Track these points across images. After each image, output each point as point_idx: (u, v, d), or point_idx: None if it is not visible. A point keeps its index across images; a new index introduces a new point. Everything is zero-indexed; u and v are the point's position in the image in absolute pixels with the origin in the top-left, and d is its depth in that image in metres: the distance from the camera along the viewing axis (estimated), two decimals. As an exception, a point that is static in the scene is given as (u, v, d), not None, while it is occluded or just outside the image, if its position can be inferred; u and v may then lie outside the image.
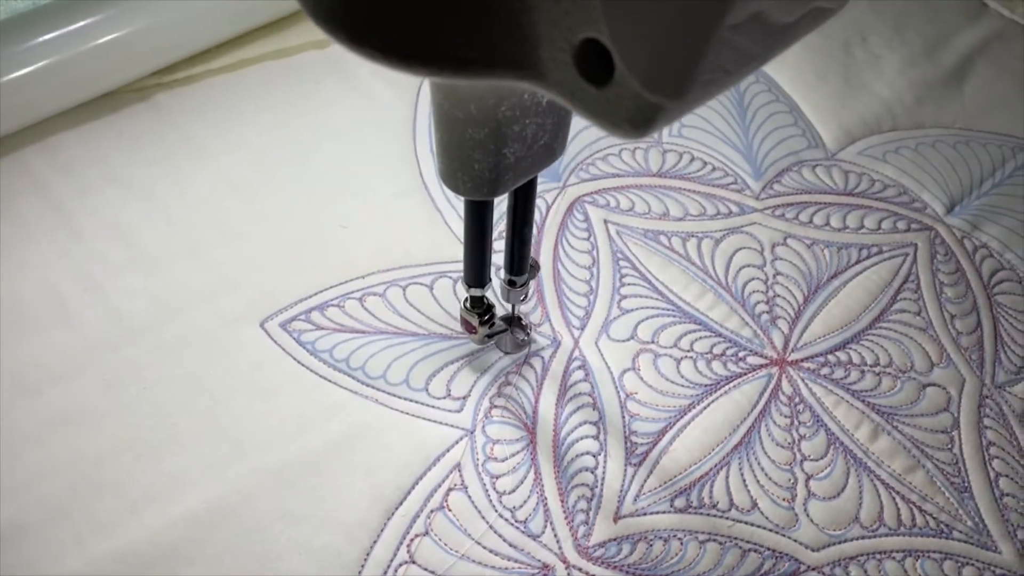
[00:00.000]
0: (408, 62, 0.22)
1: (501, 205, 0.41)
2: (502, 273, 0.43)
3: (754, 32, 0.20)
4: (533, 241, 0.47)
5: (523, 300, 0.45)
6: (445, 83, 0.29)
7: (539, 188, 0.55)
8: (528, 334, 0.48)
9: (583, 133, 0.60)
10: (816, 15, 0.22)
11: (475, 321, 0.45)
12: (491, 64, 0.22)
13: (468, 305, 0.44)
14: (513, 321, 0.47)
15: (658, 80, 0.19)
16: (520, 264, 0.42)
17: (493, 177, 0.33)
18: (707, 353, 0.50)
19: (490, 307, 0.45)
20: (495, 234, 0.42)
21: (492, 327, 0.46)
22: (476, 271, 0.41)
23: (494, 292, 0.46)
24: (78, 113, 0.58)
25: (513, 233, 0.40)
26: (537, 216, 0.55)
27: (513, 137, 0.31)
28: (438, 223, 0.54)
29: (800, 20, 0.21)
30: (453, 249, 0.53)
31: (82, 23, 0.57)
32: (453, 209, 0.55)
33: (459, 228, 0.54)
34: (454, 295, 0.51)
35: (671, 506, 0.45)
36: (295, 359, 0.48)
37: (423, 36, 0.22)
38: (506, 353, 0.48)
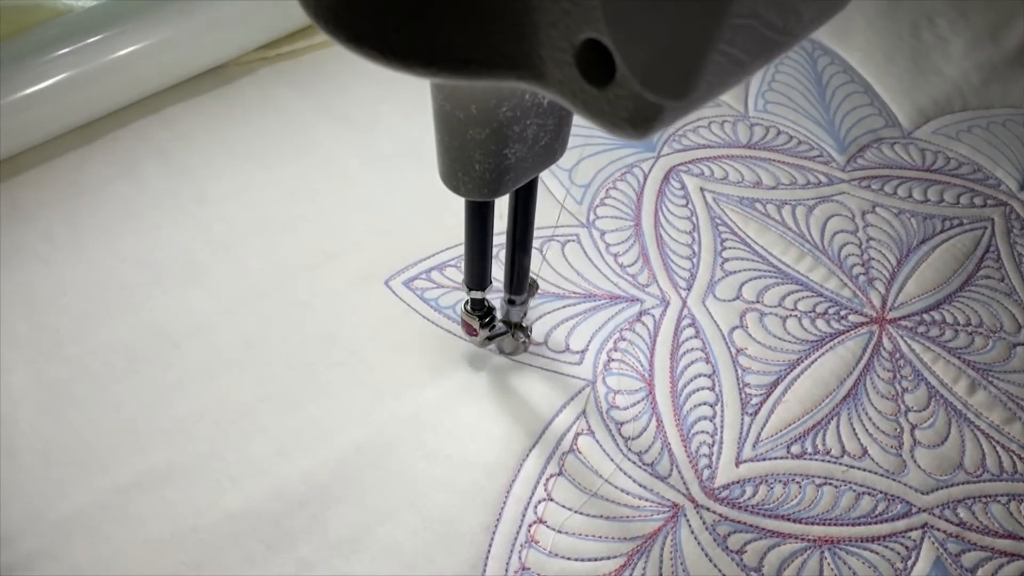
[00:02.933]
0: (408, 63, 0.22)
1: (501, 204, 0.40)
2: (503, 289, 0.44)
3: (755, 32, 0.20)
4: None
5: (523, 317, 0.46)
6: (446, 84, 0.29)
7: (635, 158, 0.57)
8: (528, 336, 0.48)
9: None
10: (818, 14, 0.22)
11: (476, 323, 0.44)
12: (492, 65, 0.22)
13: (468, 307, 0.44)
14: (514, 323, 0.48)
15: (659, 81, 0.19)
16: (519, 284, 0.43)
17: (494, 178, 0.32)
18: (811, 312, 0.52)
19: (491, 309, 0.45)
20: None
21: (493, 329, 0.46)
22: (477, 273, 0.41)
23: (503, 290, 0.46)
24: (189, 87, 0.61)
25: (513, 252, 0.41)
26: (635, 183, 0.58)
27: (514, 138, 0.31)
28: (542, 192, 0.57)
29: (801, 19, 0.21)
30: (559, 215, 0.55)
31: (191, 2, 0.59)
32: (555, 178, 0.58)
33: (561, 195, 0.57)
34: (563, 257, 0.54)
35: (788, 452, 0.47)
36: (420, 314, 0.50)
37: (424, 37, 0.22)
38: (505, 355, 0.49)
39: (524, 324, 0.48)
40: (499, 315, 0.47)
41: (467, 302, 0.45)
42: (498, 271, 0.45)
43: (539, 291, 0.51)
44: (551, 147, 0.33)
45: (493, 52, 0.22)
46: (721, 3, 0.18)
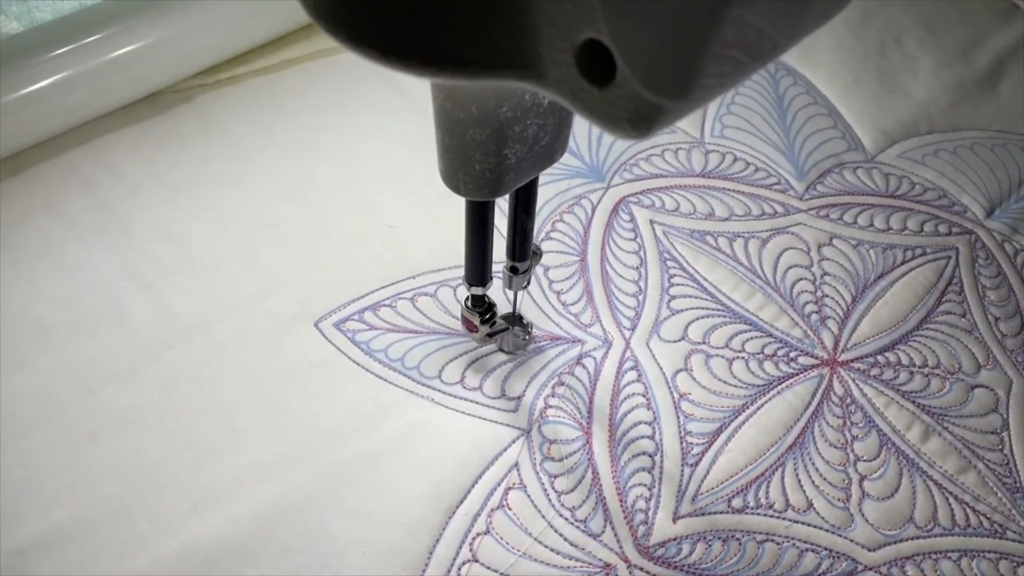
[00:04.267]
0: (408, 62, 0.22)
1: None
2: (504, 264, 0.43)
3: (755, 31, 0.20)
4: (531, 235, 0.45)
5: (525, 286, 0.44)
6: (446, 84, 0.29)
7: (583, 189, 0.55)
8: (529, 333, 0.47)
9: (626, 134, 0.60)
10: (818, 14, 0.22)
11: (476, 320, 0.44)
12: (492, 64, 0.22)
13: (469, 304, 0.44)
14: (514, 320, 0.47)
15: (659, 80, 0.19)
16: (522, 250, 0.41)
17: (494, 178, 0.32)
18: (759, 353, 0.50)
19: (491, 306, 0.44)
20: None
21: (493, 326, 0.45)
22: (477, 270, 0.41)
23: (503, 289, 0.46)
24: (123, 114, 0.59)
25: (515, 219, 0.39)
26: (583, 216, 0.56)
27: (514, 138, 0.31)
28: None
29: (801, 19, 0.21)
30: (499, 250, 0.53)
31: (125, 25, 0.57)
32: (499, 209, 0.55)
33: (504, 228, 0.54)
34: (504, 296, 0.51)
35: (729, 506, 0.45)
36: (350, 358, 0.48)
37: (423, 36, 0.22)
38: (506, 352, 0.48)
39: (524, 320, 0.47)
40: (499, 314, 0.46)
41: (467, 298, 0.44)
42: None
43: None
44: (551, 147, 0.33)
45: (493, 52, 0.22)
46: (721, 3, 0.18)
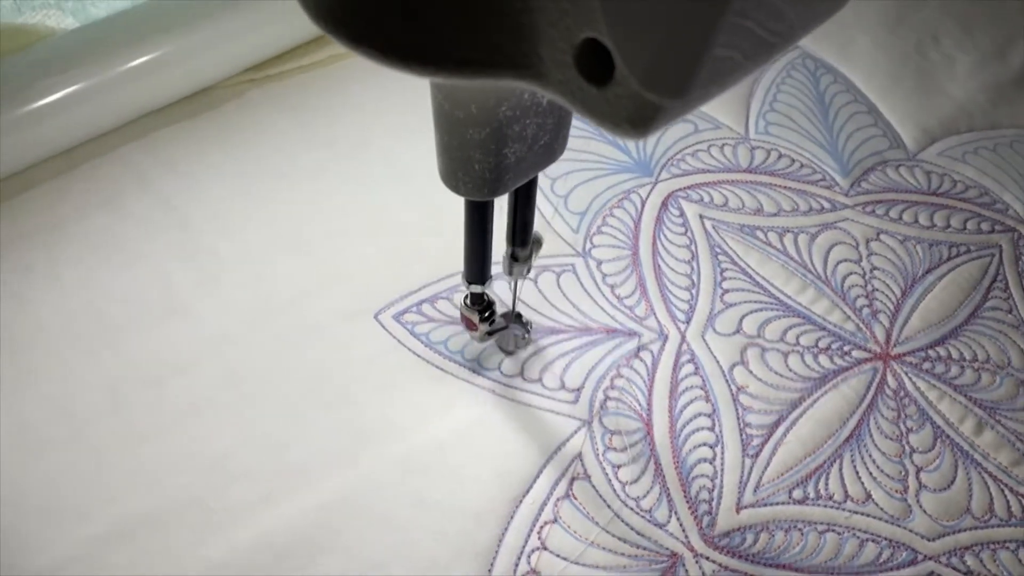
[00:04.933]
0: (408, 62, 0.22)
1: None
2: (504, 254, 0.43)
3: (754, 31, 0.20)
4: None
5: (526, 274, 0.44)
6: (445, 83, 0.29)
7: (631, 184, 0.56)
8: (528, 331, 0.47)
9: (672, 129, 0.61)
10: (818, 14, 0.22)
11: (475, 318, 0.44)
12: (491, 64, 0.22)
13: (468, 302, 0.44)
14: (513, 318, 0.47)
15: (658, 80, 0.19)
16: (523, 236, 0.41)
17: (493, 177, 0.32)
18: (813, 347, 0.51)
19: (490, 304, 0.44)
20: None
21: (492, 324, 0.45)
22: (476, 268, 0.41)
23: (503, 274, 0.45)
24: (175, 111, 0.59)
25: (515, 205, 0.39)
26: (632, 210, 0.56)
27: (513, 137, 0.31)
28: (536, 219, 0.55)
29: (800, 19, 0.21)
30: (554, 245, 0.54)
31: (176, 22, 0.57)
32: (551, 205, 0.56)
33: (559, 225, 0.55)
34: (558, 288, 0.52)
35: (790, 497, 0.45)
36: (411, 350, 0.49)
37: (423, 36, 0.22)
38: (506, 352, 0.48)
39: (524, 319, 0.47)
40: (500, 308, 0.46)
41: (467, 296, 0.44)
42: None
43: (533, 326, 0.49)
44: (551, 147, 0.33)
45: (492, 52, 0.22)
46: (720, 3, 0.18)
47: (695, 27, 0.18)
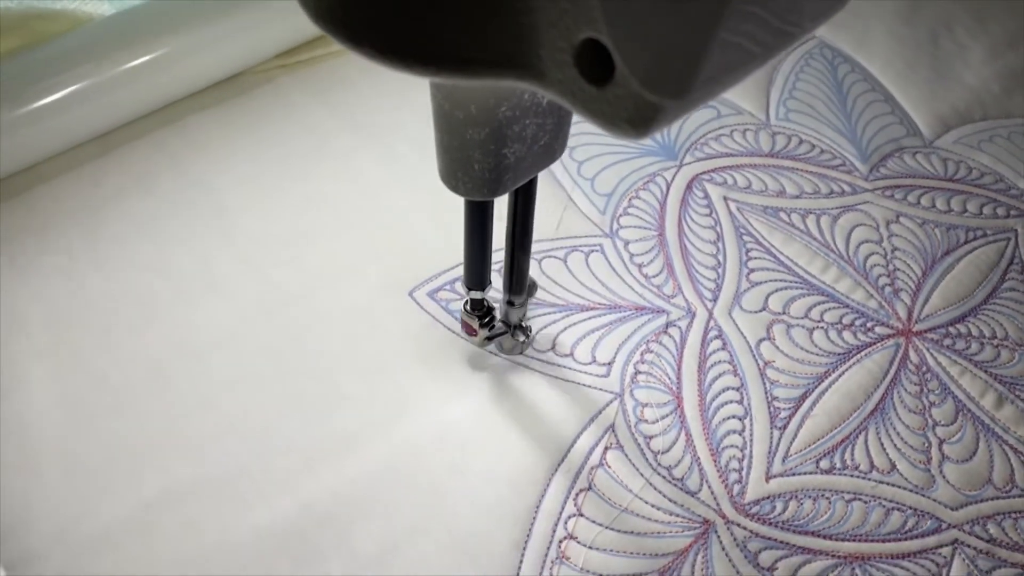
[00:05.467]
0: (408, 62, 0.22)
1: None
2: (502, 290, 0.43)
3: (754, 31, 0.20)
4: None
5: (523, 319, 0.45)
6: (445, 83, 0.29)
7: (657, 167, 0.57)
8: (528, 336, 0.48)
9: (695, 114, 0.62)
10: (817, 13, 0.22)
11: (475, 323, 0.44)
12: (491, 64, 0.22)
13: (468, 307, 0.44)
14: (513, 324, 0.48)
15: (658, 80, 0.19)
16: (519, 284, 0.42)
17: (493, 177, 0.32)
18: (837, 323, 0.52)
19: (490, 309, 0.45)
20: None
21: (492, 329, 0.46)
22: (476, 273, 0.41)
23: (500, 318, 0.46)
24: (206, 96, 0.60)
25: (512, 253, 0.40)
26: (658, 192, 0.57)
27: (513, 137, 0.31)
28: (563, 200, 0.56)
29: (800, 18, 0.21)
30: (581, 225, 0.55)
31: (209, 7, 0.59)
32: (578, 188, 0.57)
33: (586, 205, 0.56)
34: (587, 267, 0.53)
35: (817, 467, 0.47)
36: (445, 326, 0.50)
37: (423, 36, 0.22)
38: (505, 356, 0.49)
39: (524, 324, 0.48)
40: (499, 315, 0.46)
41: (466, 302, 0.45)
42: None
43: (567, 304, 0.50)
44: (550, 147, 0.33)
45: (492, 52, 0.22)
46: (720, 2, 0.18)
47: (695, 27, 0.18)
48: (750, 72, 0.21)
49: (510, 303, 0.44)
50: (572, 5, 0.19)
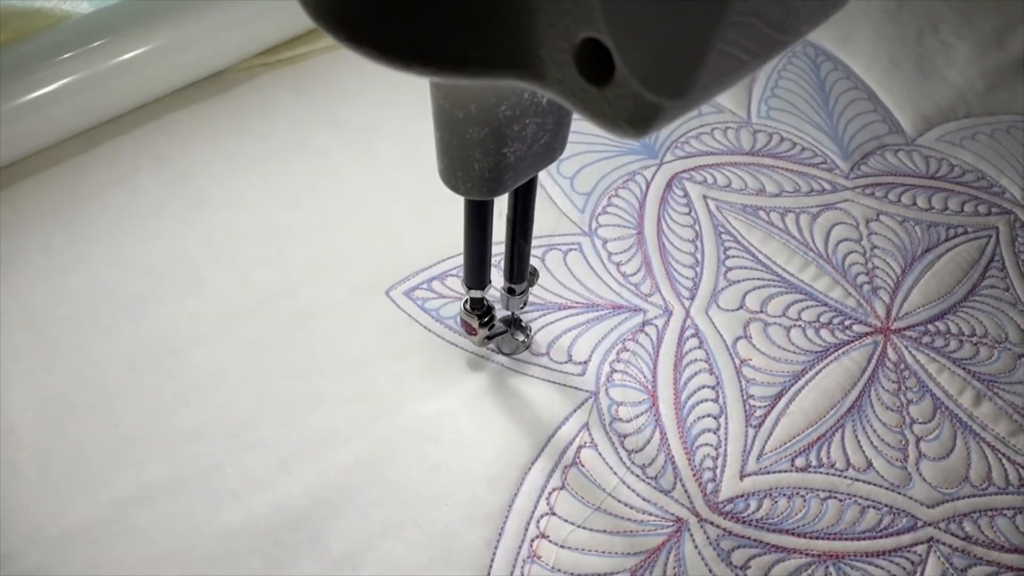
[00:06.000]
0: (408, 62, 0.22)
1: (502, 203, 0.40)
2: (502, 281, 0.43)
3: (754, 31, 0.20)
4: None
5: (523, 307, 0.45)
6: (445, 83, 0.29)
7: (637, 165, 0.57)
8: (528, 335, 0.48)
9: (676, 115, 0.62)
10: (818, 13, 0.22)
11: (475, 323, 0.44)
12: (491, 64, 0.22)
13: (468, 307, 0.44)
14: (513, 323, 0.48)
15: (658, 80, 0.19)
16: (520, 272, 0.42)
17: (493, 177, 0.32)
18: (815, 322, 0.52)
19: (490, 309, 0.45)
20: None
21: (492, 328, 0.46)
22: (476, 273, 0.41)
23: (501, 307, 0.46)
24: (189, 93, 0.60)
25: (513, 241, 0.40)
26: (637, 191, 0.58)
27: (513, 137, 0.31)
28: (543, 199, 0.56)
29: (800, 17, 0.21)
30: (560, 224, 0.55)
31: (190, 5, 0.59)
32: (557, 186, 0.57)
33: (564, 204, 0.56)
34: (565, 266, 0.53)
35: (792, 465, 0.47)
36: (421, 325, 0.50)
37: (423, 36, 0.22)
38: (505, 355, 0.49)
39: (524, 323, 0.48)
40: (500, 310, 0.46)
41: (466, 301, 0.45)
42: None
43: (544, 303, 0.50)
44: (550, 146, 0.33)
45: (492, 51, 0.22)
46: (720, 2, 0.18)
47: (696, 27, 0.18)
48: (750, 71, 0.21)
49: (510, 291, 0.43)
50: (573, 5, 0.19)
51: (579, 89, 0.21)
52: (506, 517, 0.43)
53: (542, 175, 0.58)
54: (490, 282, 0.43)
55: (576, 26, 0.20)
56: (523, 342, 0.48)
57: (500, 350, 0.49)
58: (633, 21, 0.18)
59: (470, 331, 0.46)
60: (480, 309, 0.45)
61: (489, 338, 0.47)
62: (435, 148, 0.33)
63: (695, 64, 0.19)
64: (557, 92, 0.22)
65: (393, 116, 0.60)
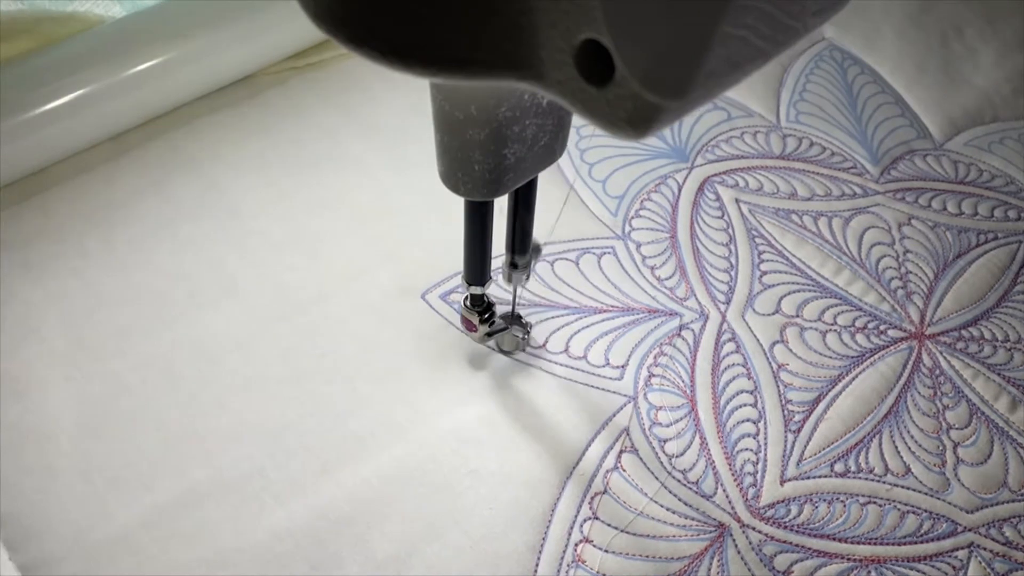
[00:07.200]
0: (408, 63, 0.22)
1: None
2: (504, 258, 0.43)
3: (755, 30, 0.20)
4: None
5: (525, 281, 0.44)
6: (445, 84, 0.29)
7: (668, 169, 0.57)
8: (528, 332, 0.48)
9: (706, 116, 0.62)
10: (818, 13, 0.22)
11: (475, 319, 0.44)
12: (491, 65, 0.22)
13: (468, 303, 0.44)
14: (513, 319, 0.48)
15: (658, 80, 0.19)
16: (522, 244, 0.41)
17: (493, 178, 0.32)
18: (850, 326, 0.52)
19: (490, 305, 0.45)
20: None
21: (492, 325, 0.46)
22: (476, 269, 0.41)
23: (503, 281, 0.46)
24: (218, 98, 0.60)
25: (515, 214, 0.39)
26: (670, 195, 0.58)
27: (513, 138, 0.31)
28: (576, 203, 0.56)
29: (800, 17, 0.21)
30: (592, 227, 0.55)
31: (220, 9, 0.59)
32: (589, 190, 0.57)
33: (597, 207, 0.56)
34: (599, 270, 0.53)
35: (831, 470, 0.47)
36: (457, 328, 0.50)
37: (423, 37, 0.21)
38: (505, 352, 0.49)
39: (523, 319, 0.48)
40: (499, 309, 0.46)
41: (466, 298, 0.45)
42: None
43: (580, 307, 0.50)
44: (550, 147, 0.33)
45: (492, 52, 0.22)
46: (720, 3, 0.18)
47: (695, 29, 0.18)
48: (749, 73, 0.21)
49: (513, 265, 0.42)
50: (573, 6, 0.19)
51: (579, 90, 0.21)
52: (549, 521, 0.43)
53: (573, 177, 0.58)
54: (491, 278, 0.43)
55: (576, 27, 0.20)
56: (522, 338, 0.48)
57: (500, 348, 0.49)
58: (633, 22, 0.18)
59: (470, 327, 0.46)
60: (480, 306, 0.45)
61: (489, 335, 0.47)
62: (436, 149, 0.34)
63: (695, 65, 0.19)
64: (557, 93, 0.22)
65: (422, 120, 0.60)
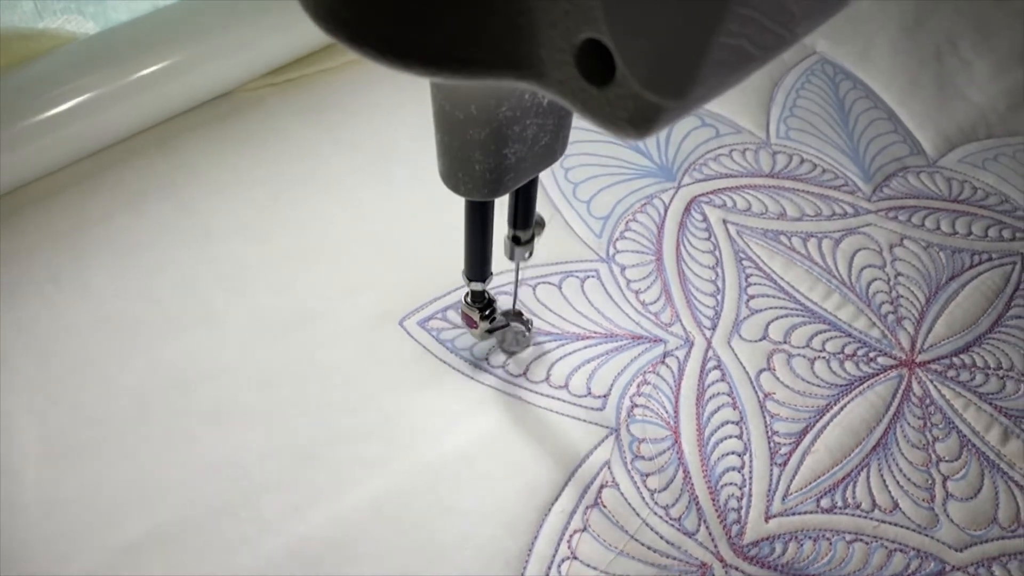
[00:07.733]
0: (408, 62, 0.22)
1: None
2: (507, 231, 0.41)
3: (755, 31, 0.20)
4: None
5: (527, 258, 0.42)
6: (446, 84, 0.29)
7: (654, 188, 0.56)
8: (528, 329, 0.47)
9: (694, 133, 0.61)
10: (819, 13, 0.22)
11: (476, 315, 0.44)
12: (492, 64, 0.22)
13: (469, 299, 0.44)
14: (513, 316, 0.47)
15: (659, 80, 0.19)
16: (526, 218, 0.40)
17: (494, 178, 0.32)
18: (839, 353, 0.51)
19: (491, 302, 0.45)
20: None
21: (493, 322, 0.45)
22: (476, 266, 0.41)
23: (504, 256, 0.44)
24: (194, 115, 0.59)
25: (517, 195, 0.39)
26: (655, 215, 0.56)
27: (514, 138, 0.31)
28: (559, 224, 0.55)
29: (801, 17, 0.21)
30: (577, 249, 0.54)
31: (196, 27, 0.57)
32: (574, 211, 0.56)
33: (581, 229, 0.55)
34: (582, 294, 0.52)
35: (818, 506, 0.45)
36: (435, 356, 0.49)
37: (423, 36, 0.21)
38: (505, 350, 0.48)
39: (525, 317, 0.47)
40: (500, 307, 0.46)
41: (467, 294, 0.44)
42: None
43: (562, 332, 0.49)
44: (551, 147, 0.33)
45: (493, 52, 0.22)
46: (721, 3, 0.18)
47: (697, 27, 0.18)
48: (750, 73, 0.21)
49: (515, 239, 0.41)
50: (573, 6, 0.19)
51: (579, 89, 0.21)
52: (526, 561, 0.42)
53: (558, 198, 0.56)
54: (491, 275, 0.42)
55: (577, 27, 0.19)
56: (523, 334, 0.47)
57: (501, 346, 0.48)
58: (634, 22, 0.18)
59: (471, 324, 0.45)
60: (481, 302, 0.44)
61: (490, 331, 0.46)
62: (436, 148, 0.33)
63: (696, 64, 0.19)
64: (557, 93, 0.22)
65: (403, 138, 0.59)
